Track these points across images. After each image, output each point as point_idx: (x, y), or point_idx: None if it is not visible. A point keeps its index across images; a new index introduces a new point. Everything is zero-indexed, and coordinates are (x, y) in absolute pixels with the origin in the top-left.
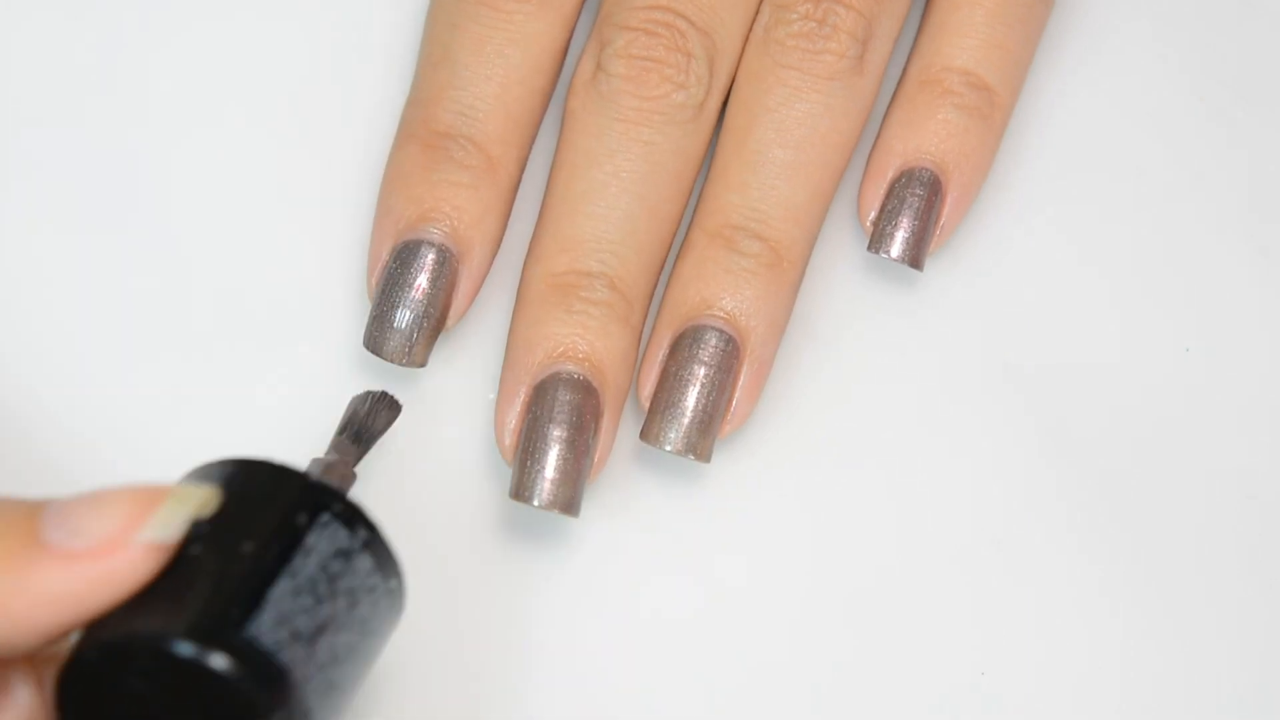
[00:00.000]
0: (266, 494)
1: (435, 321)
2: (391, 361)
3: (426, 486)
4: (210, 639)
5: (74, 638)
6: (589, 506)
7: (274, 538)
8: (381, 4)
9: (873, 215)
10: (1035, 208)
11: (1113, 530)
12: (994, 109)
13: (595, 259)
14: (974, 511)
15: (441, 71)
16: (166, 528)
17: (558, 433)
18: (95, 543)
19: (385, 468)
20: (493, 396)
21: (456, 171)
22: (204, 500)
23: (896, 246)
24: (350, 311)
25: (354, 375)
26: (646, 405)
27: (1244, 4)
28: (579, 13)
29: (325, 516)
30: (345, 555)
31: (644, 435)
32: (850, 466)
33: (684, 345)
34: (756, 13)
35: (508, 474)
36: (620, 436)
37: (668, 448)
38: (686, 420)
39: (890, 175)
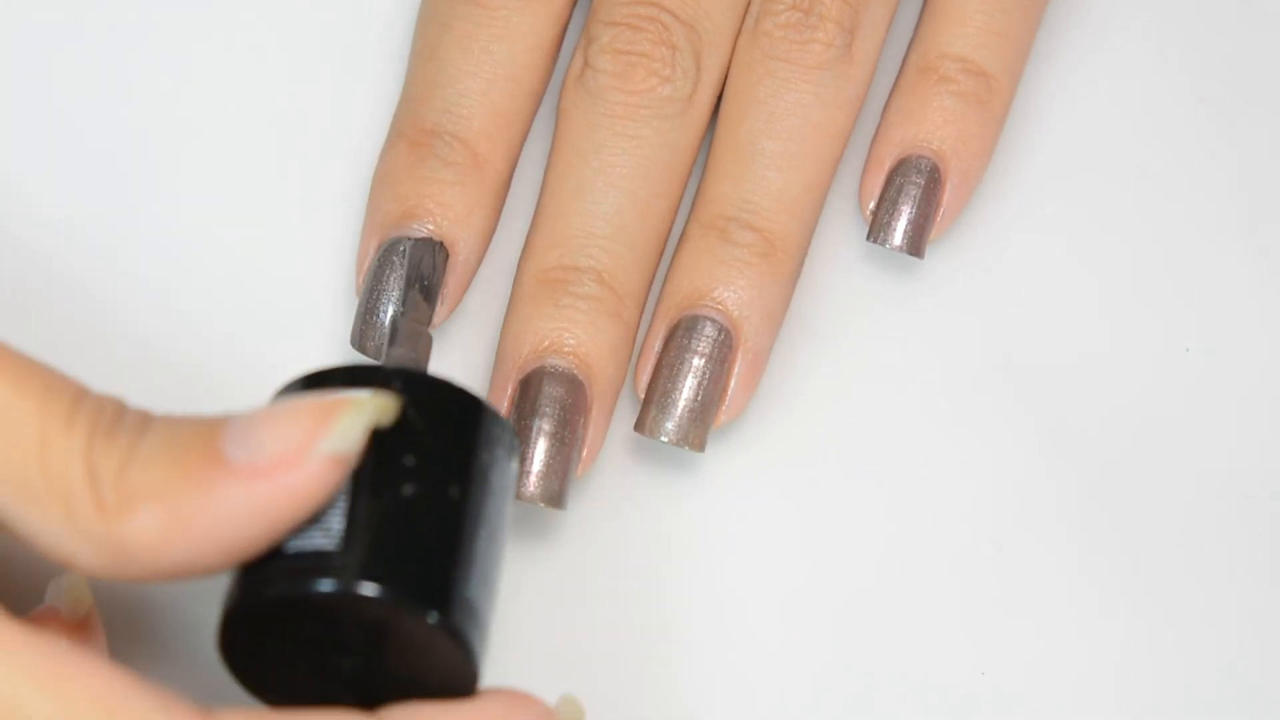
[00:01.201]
0: (454, 421)
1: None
2: (377, 359)
3: None
4: (436, 603)
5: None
6: (582, 500)
7: (472, 482)
8: (376, 3)
9: (872, 204)
10: (1035, 206)
11: (1112, 529)
12: (993, 95)
13: (584, 254)
14: (973, 509)
15: (429, 69)
16: (346, 439)
17: (542, 426)
18: (276, 457)
19: None
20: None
21: (441, 169)
22: (383, 409)
23: (897, 235)
24: (340, 310)
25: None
26: (642, 396)
27: (1244, 4)
28: (571, 9)
29: (501, 452)
30: (510, 490)
31: (638, 426)
32: (848, 462)
33: (678, 336)
34: (747, 6)
35: None
36: (616, 427)
37: (663, 438)
38: (680, 410)
39: (889, 164)
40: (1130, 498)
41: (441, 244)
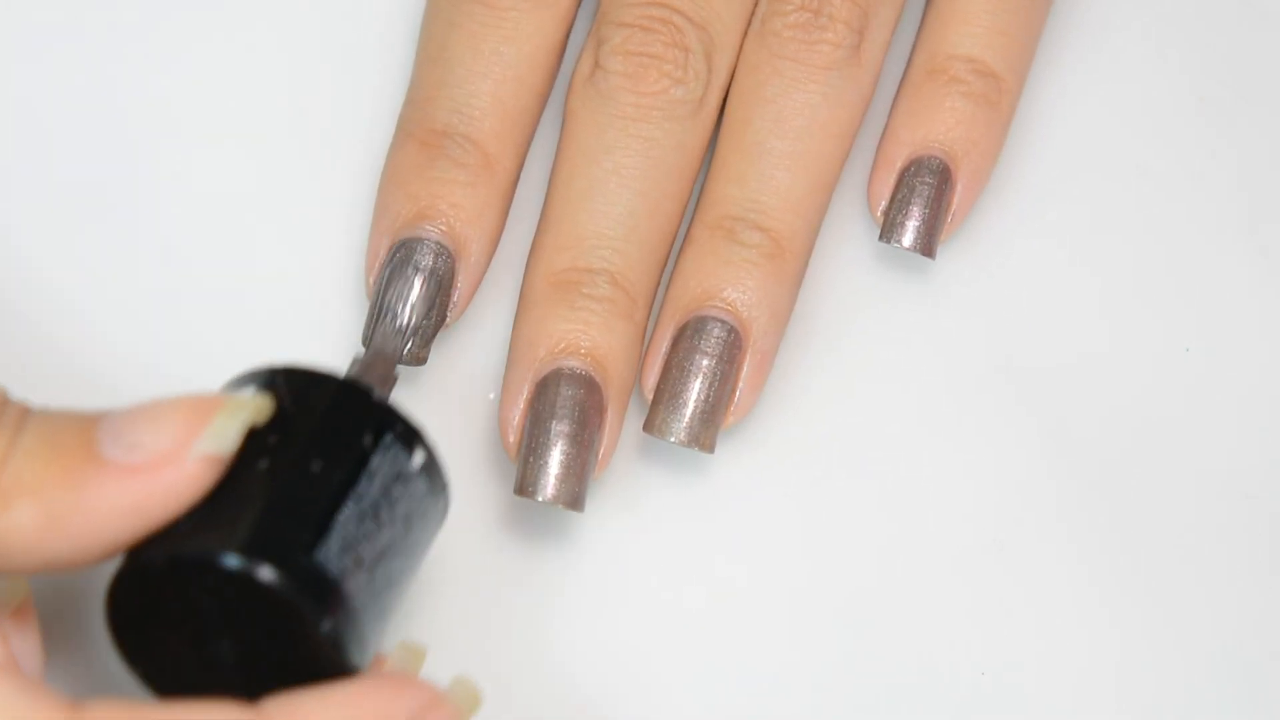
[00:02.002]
0: (331, 410)
1: (434, 319)
2: (395, 359)
3: None
4: (280, 561)
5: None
6: (590, 500)
7: (342, 459)
8: (380, 3)
9: (883, 205)
10: (1037, 207)
11: (1113, 530)
12: (1001, 95)
13: (597, 255)
14: (976, 510)
15: (438, 70)
16: (222, 439)
17: (561, 428)
18: (151, 456)
19: None
20: (493, 395)
21: (453, 169)
22: (258, 409)
23: (908, 236)
24: (350, 311)
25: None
26: (650, 397)
27: (1244, 4)
28: (576, 10)
29: (388, 438)
30: (404, 479)
31: (647, 426)
32: (852, 462)
33: (686, 336)
34: (754, 6)
35: (510, 470)
36: (625, 428)
37: (671, 439)
38: (690, 411)
39: (900, 165)
40: (1131, 497)
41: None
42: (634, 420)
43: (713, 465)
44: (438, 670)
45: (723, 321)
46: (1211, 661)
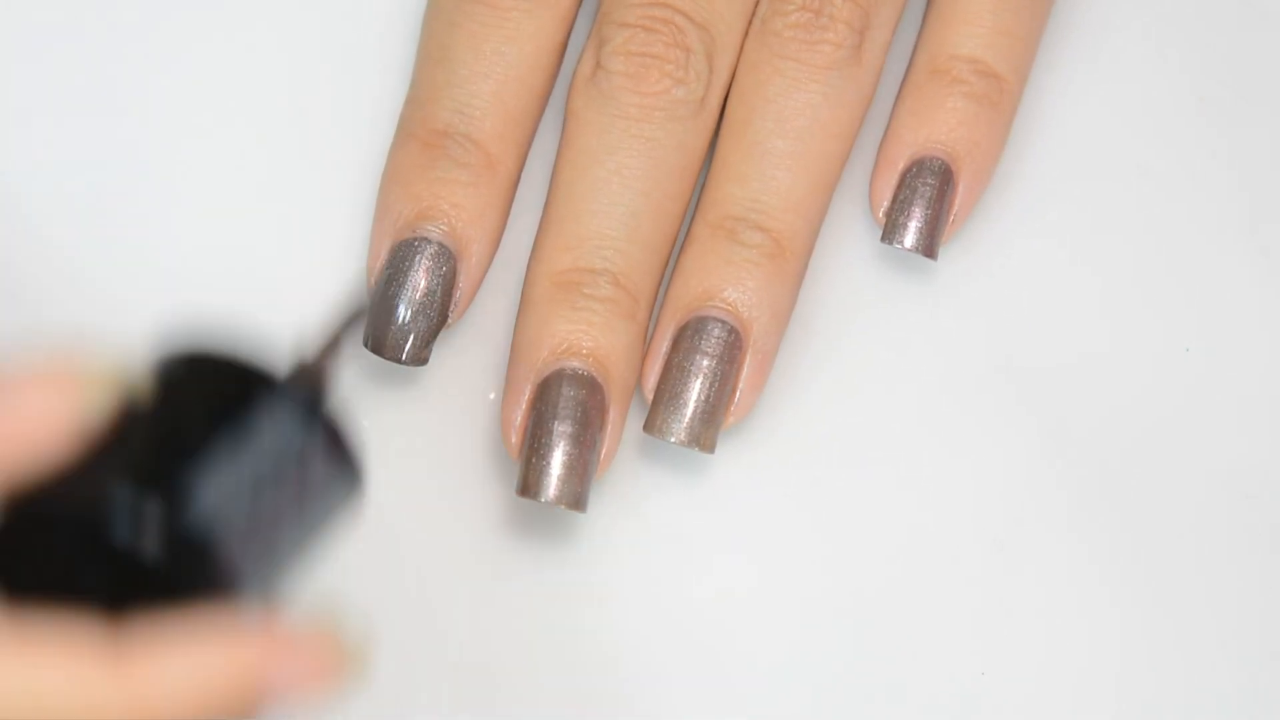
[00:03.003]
0: (219, 379)
1: (435, 319)
2: (392, 360)
3: (428, 485)
4: (134, 507)
5: None
6: (593, 502)
7: (221, 421)
8: (381, 2)
9: (885, 206)
10: (1037, 208)
11: (1113, 530)
12: (1003, 96)
13: (599, 256)
14: (976, 510)
15: (439, 70)
16: (89, 412)
17: (563, 428)
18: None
19: (387, 466)
20: (494, 395)
21: (455, 169)
22: (126, 388)
23: (910, 236)
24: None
25: (354, 375)
26: (650, 397)
27: (1244, 4)
28: (577, 10)
29: (279, 402)
30: (289, 438)
31: (648, 427)
32: (852, 462)
33: (687, 337)
34: (755, 6)
35: (511, 471)
36: (625, 428)
37: (671, 439)
38: (690, 411)
39: (901, 165)
40: (1131, 497)
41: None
42: (634, 420)
43: (714, 465)
44: (439, 670)
45: (723, 322)
46: (1212, 661)
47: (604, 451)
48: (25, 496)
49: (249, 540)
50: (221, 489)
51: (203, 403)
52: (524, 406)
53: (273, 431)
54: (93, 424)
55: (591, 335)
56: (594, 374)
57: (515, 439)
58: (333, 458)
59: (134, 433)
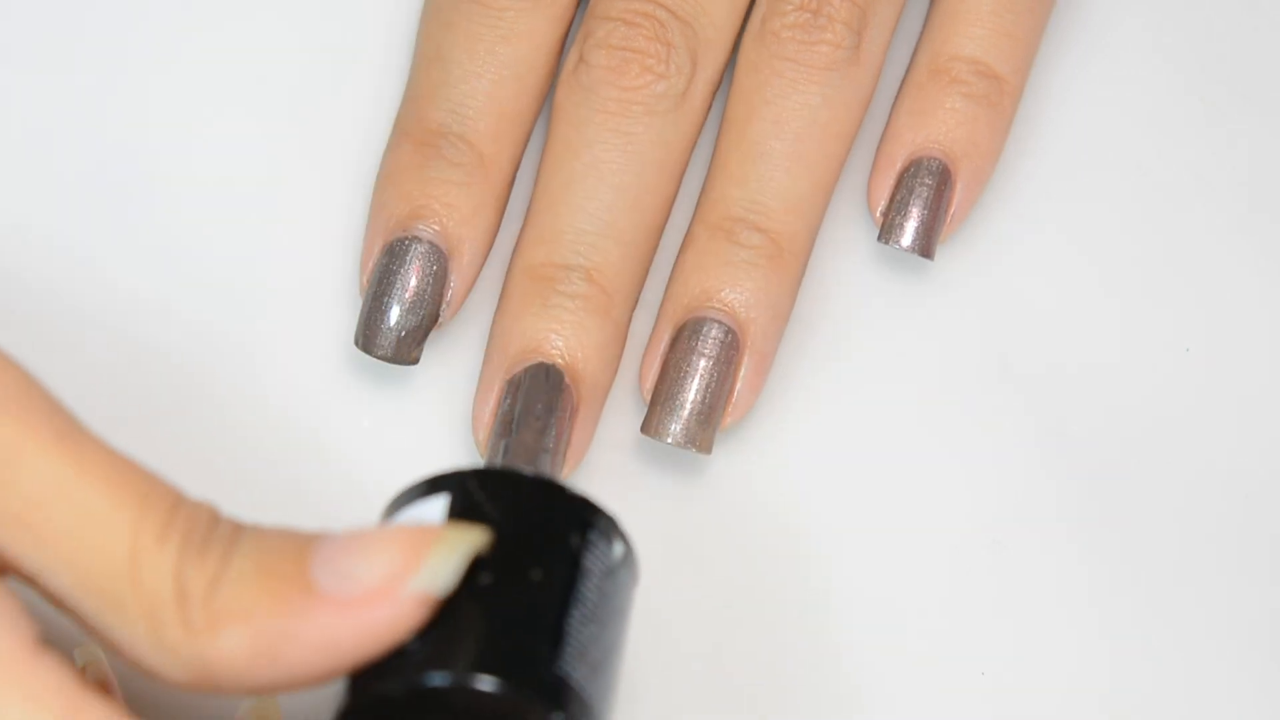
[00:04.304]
0: (536, 512)
1: (427, 319)
2: (383, 359)
3: None
4: (531, 681)
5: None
6: None
7: (558, 564)
8: (380, 3)
9: (883, 206)
10: (1036, 208)
11: (1113, 530)
12: (1003, 97)
13: (573, 251)
14: (975, 510)
15: (434, 70)
16: (438, 577)
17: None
18: (366, 591)
19: (376, 465)
20: None
21: (448, 169)
22: (474, 542)
23: (907, 236)
24: (347, 309)
25: (346, 373)
26: (648, 398)
27: (1244, 4)
28: (574, 10)
29: (593, 535)
30: (611, 574)
31: (645, 428)
32: (851, 462)
33: (684, 338)
34: (750, 4)
35: None
36: (621, 430)
37: (668, 440)
38: (687, 412)
39: (899, 165)
40: (1131, 498)
41: (559, 371)
42: (632, 421)
43: (709, 466)
44: None
45: (721, 323)
46: (1211, 662)
47: (571, 450)
48: (390, 669)
49: (605, 676)
50: (580, 630)
51: (538, 538)
52: (493, 403)
53: (600, 564)
54: (440, 594)
55: (562, 333)
56: (562, 373)
57: (483, 435)
58: (633, 572)
59: (485, 582)
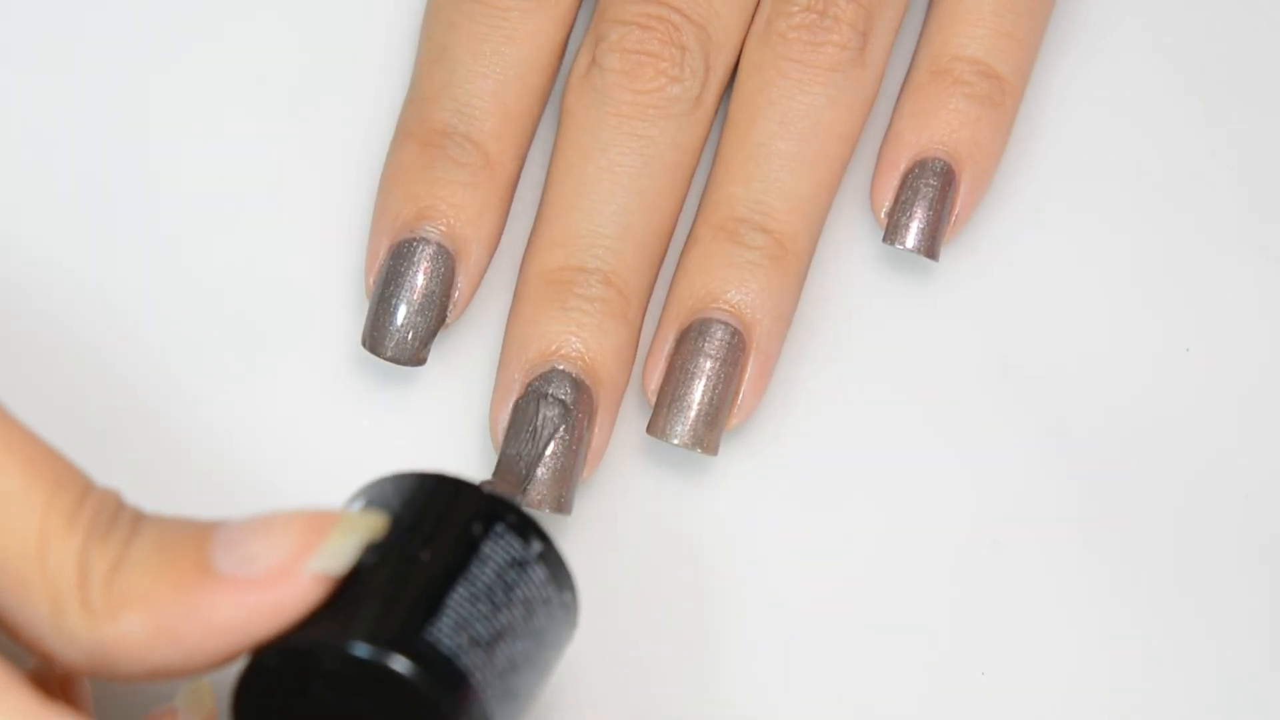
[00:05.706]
0: (440, 504)
1: (433, 319)
2: (390, 360)
3: None
4: (393, 643)
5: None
6: (592, 502)
7: (450, 546)
8: (381, 3)
9: (887, 207)
10: (1038, 208)
11: (1113, 530)
12: (1005, 97)
13: (590, 254)
14: (976, 510)
15: (439, 70)
16: (336, 557)
17: (547, 432)
18: (265, 571)
19: (383, 465)
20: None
21: (454, 169)
22: (372, 527)
23: (911, 237)
24: (349, 311)
25: (352, 374)
26: (653, 400)
27: (1244, 4)
28: (577, 10)
29: (500, 527)
30: (520, 565)
31: (650, 429)
32: (852, 463)
33: (689, 339)
34: (756, 6)
35: None
36: (626, 431)
37: (674, 441)
38: (693, 413)
39: (903, 166)
40: (1130, 497)
41: (550, 395)
42: (637, 422)
43: (713, 467)
44: None
45: (726, 324)
46: (1210, 663)
47: (591, 454)
48: (290, 631)
49: (493, 654)
50: (465, 605)
51: (433, 524)
52: (510, 406)
53: (506, 553)
54: (337, 573)
55: (581, 337)
56: (583, 376)
57: (500, 439)
58: (555, 574)
59: (371, 562)
